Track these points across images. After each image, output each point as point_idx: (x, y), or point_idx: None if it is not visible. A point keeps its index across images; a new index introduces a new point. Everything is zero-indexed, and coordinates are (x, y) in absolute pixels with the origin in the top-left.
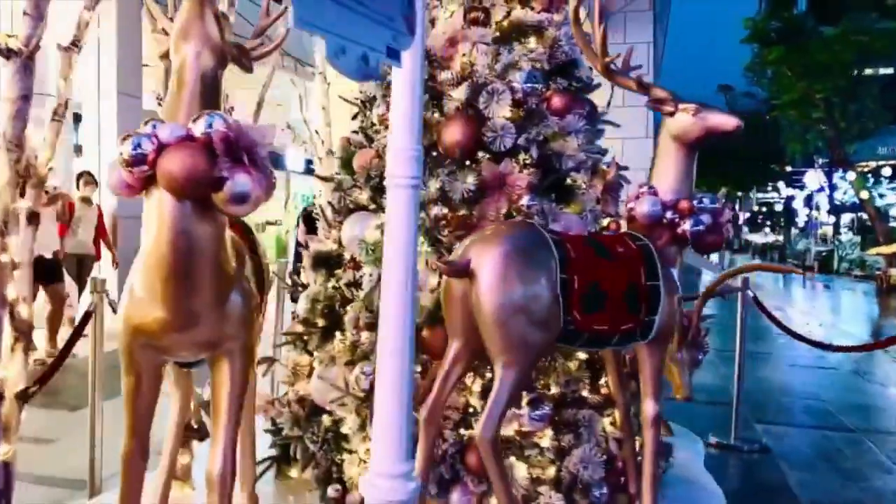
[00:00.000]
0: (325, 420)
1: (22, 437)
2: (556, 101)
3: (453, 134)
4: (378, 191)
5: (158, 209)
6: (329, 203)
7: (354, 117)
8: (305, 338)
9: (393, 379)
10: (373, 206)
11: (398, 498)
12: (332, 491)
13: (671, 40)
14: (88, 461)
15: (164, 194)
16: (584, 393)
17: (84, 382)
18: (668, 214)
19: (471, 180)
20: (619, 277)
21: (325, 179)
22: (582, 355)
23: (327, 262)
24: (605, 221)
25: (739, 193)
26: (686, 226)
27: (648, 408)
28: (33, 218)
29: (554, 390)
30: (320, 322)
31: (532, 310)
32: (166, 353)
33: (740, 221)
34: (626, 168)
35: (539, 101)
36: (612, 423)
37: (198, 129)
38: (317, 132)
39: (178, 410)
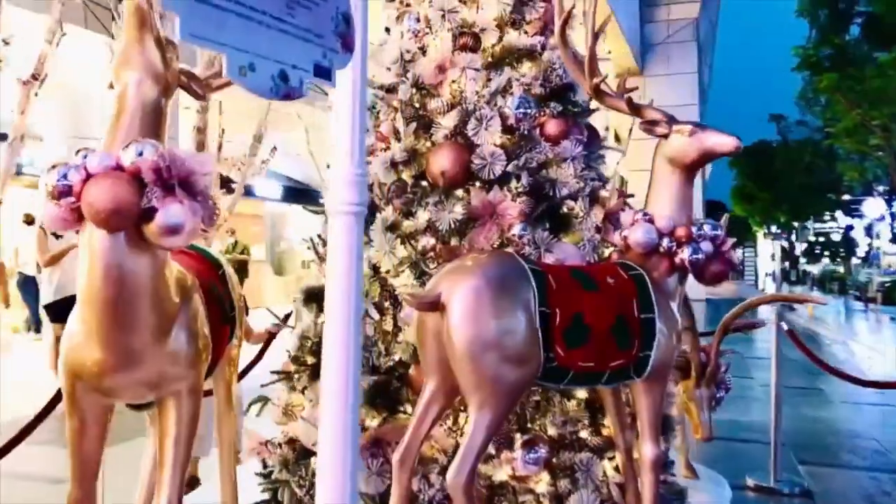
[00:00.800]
0: (313, 462)
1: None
2: (551, 127)
3: (441, 162)
4: (366, 223)
5: (90, 243)
6: (319, 236)
7: None
8: (296, 376)
9: (333, 420)
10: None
11: None
12: None
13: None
14: None
15: (95, 227)
16: (584, 434)
17: None
18: (665, 242)
19: (458, 209)
20: (607, 310)
21: (314, 212)
22: (582, 394)
23: (318, 298)
24: (608, 251)
25: (795, 224)
26: (684, 254)
27: (647, 451)
28: None
29: (551, 431)
30: (309, 360)
31: (506, 345)
32: (108, 394)
33: (797, 252)
34: (630, 195)
35: (531, 126)
36: (615, 468)
37: (127, 158)
38: (328, 165)
39: (154, 448)
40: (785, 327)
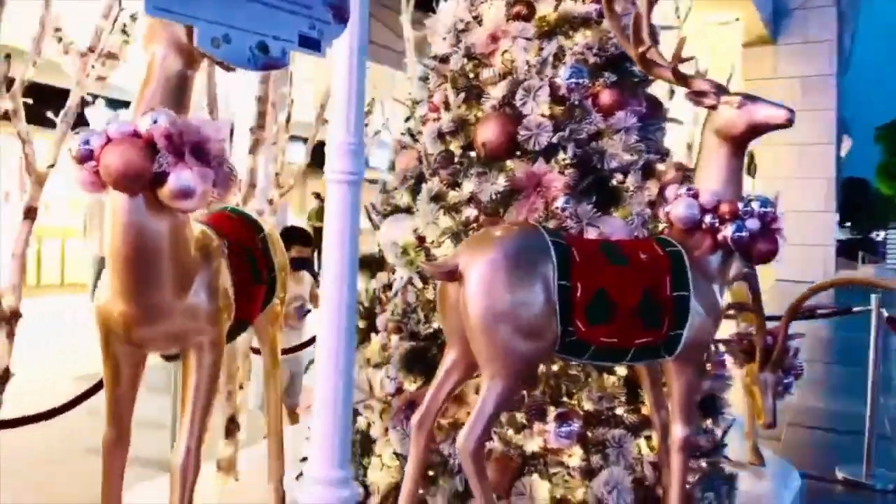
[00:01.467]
0: (360, 422)
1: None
2: (604, 97)
3: (485, 133)
4: (414, 192)
5: (112, 205)
6: (372, 205)
7: (407, 119)
8: None
9: (327, 384)
10: (411, 208)
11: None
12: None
13: (865, 40)
14: None
15: (115, 191)
16: (620, 411)
17: None
18: (708, 219)
19: (501, 181)
20: (633, 286)
21: (370, 181)
22: (621, 370)
23: (370, 265)
24: (661, 227)
25: None
26: (727, 231)
27: (676, 431)
28: (30, 212)
29: (587, 406)
30: (361, 324)
31: (520, 317)
32: (135, 345)
33: None
34: (690, 170)
35: (583, 97)
36: (651, 447)
37: (143, 125)
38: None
39: None
40: (885, 314)
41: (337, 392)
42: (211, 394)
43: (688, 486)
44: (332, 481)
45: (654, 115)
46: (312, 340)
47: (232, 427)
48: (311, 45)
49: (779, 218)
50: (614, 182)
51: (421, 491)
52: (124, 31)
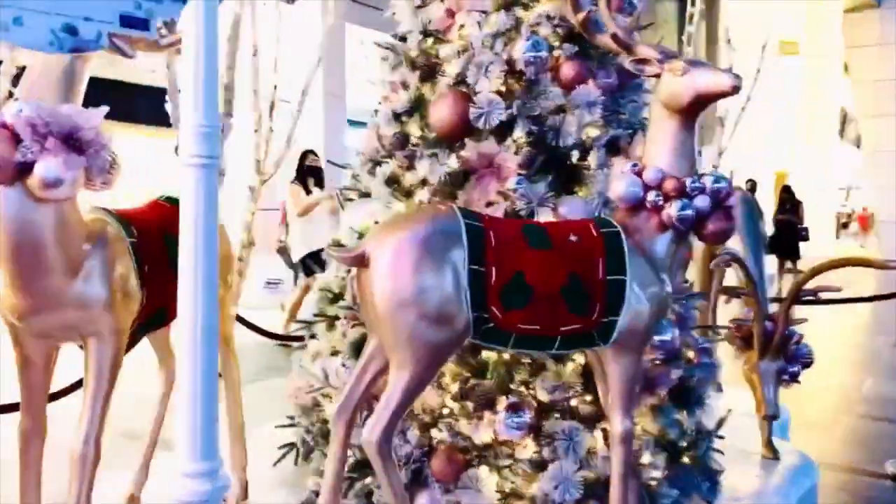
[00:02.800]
0: (327, 410)
1: None
2: (566, 70)
3: (438, 112)
4: (373, 176)
5: None
6: (339, 190)
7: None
8: (314, 327)
9: (188, 374)
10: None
11: (194, 499)
12: (311, 483)
13: None
14: None
15: None
16: (575, 402)
17: None
18: (651, 197)
19: (452, 162)
20: (556, 269)
21: (340, 167)
22: (580, 358)
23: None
24: None
25: None
26: (671, 210)
27: (615, 424)
28: None
29: (543, 396)
30: (330, 311)
31: (426, 303)
32: (35, 335)
33: None
34: None
35: (541, 70)
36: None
37: (8, 115)
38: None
39: (162, 384)
40: None
41: (198, 383)
42: (112, 383)
43: (653, 482)
44: (197, 473)
45: (625, 86)
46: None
47: None
48: (137, 24)
49: (733, 194)
50: (574, 160)
51: (369, 480)
52: None
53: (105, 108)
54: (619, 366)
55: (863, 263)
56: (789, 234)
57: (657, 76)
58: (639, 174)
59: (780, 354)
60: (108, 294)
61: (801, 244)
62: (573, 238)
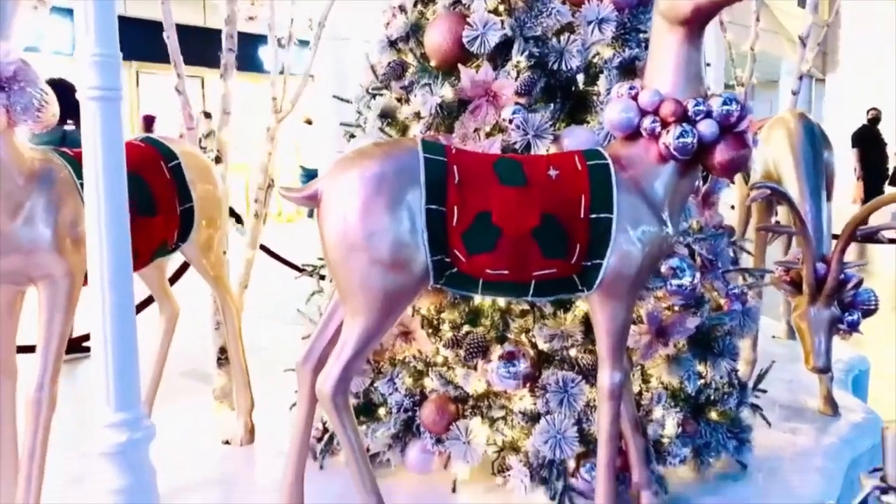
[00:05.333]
0: None
1: None
2: None
3: (435, 37)
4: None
5: None
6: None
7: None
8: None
9: (99, 319)
10: None
11: (113, 450)
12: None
13: None
14: None
15: None
16: (574, 352)
17: None
18: (647, 123)
19: (446, 92)
20: (528, 209)
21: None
22: (584, 306)
23: None
24: None
25: None
26: (667, 137)
27: (603, 376)
28: None
29: (542, 346)
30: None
31: (377, 247)
32: None
33: None
34: None
35: None
36: None
37: None
38: None
39: (161, 332)
40: None
41: (107, 327)
42: (65, 327)
43: (665, 440)
44: (116, 424)
45: (647, 2)
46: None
47: (222, 358)
48: None
49: (745, 118)
50: (581, 86)
51: (362, 428)
52: None
53: (22, 44)
54: (606, 314)
55: None
56: None
57: None
58: (635, 98)
59: (834, 301)
60: (54, 237)
61: None
62: (552, 172)
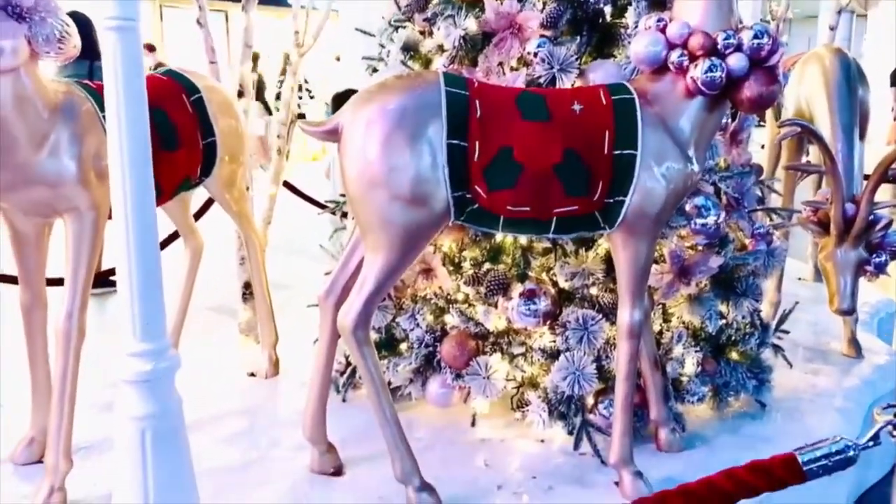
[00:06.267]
0: None
1: None
2: None
3: None
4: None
5: None
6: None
7: None
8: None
9: (123, 249)
10: None
11: (138, 378)
12: (340, 358)
13: None
14: None
15: None
16: (595, 291)
17: None
18: (675, 56)
19: (469, 24)
20: (550, 144)
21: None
22: (606, 244)
23: None
24: None
25: None
26: (695, 71)
27: (622, 315)
28: None
29: (563, 283)
30: None
31: (398, 183)
32: (19, 212)
33: None
34: None
35: None
36: None
37: None
38: None
39: (187, 266)
40: None
41: (138, 262)
42: (92, 259)
43: (685, 378)
44: (140, 354)
45: None
46: None
47: (247, 292)
48: None
49: (776, 52)
50: (608, 18)
51: (384, 363)
52: None
53: None
54: (628, 252)
55: None
56: None
57: None
58: (663, 31)
59: (862, 242)
60: (78, 169)
61: None
62: (576, 107)
